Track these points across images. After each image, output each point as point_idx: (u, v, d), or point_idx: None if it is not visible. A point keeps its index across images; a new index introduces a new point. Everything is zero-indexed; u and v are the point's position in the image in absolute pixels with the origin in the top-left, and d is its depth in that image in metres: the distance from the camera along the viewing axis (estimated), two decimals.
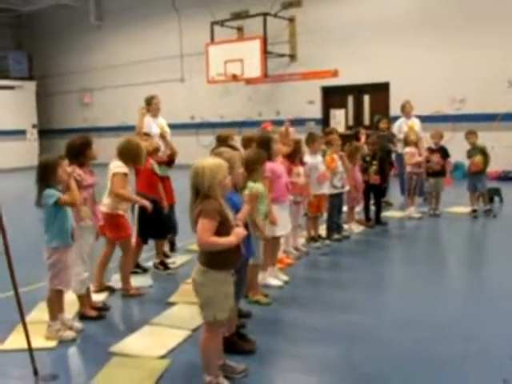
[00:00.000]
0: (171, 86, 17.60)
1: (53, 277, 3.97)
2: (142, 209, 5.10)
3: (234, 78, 14.83)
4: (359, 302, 4.80)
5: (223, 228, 3.03)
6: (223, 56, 14.79)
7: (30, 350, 3.49)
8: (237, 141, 6.06)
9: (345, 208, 7.57)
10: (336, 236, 6.97)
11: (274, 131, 5.83)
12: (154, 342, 3.91)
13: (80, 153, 4.37)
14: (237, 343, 3.72)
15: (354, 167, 7.30)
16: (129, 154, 4.81)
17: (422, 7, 12.97)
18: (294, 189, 5.92)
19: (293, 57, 15.23)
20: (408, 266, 6.05)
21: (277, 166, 5.08)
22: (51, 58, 21.00)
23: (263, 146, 4.99)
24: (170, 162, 6.13)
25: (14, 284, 3.35)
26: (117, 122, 18.37)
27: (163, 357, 3.67)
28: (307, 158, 6.51)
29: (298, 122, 14.75)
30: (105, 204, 4.80)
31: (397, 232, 7.86)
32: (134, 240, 5.41)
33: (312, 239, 6.72)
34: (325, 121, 15.23)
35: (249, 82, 15.72)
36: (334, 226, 7.01)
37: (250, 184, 4.39)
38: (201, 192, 3.03)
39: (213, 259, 3.08)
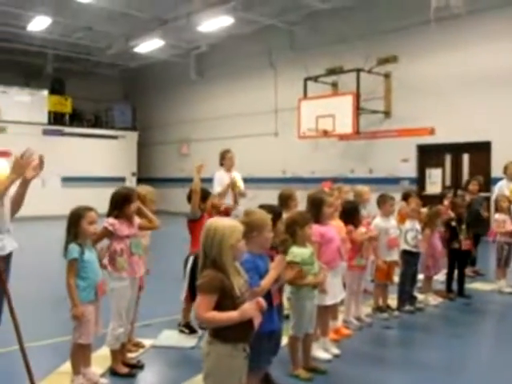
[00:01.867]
0: (265, 139, 17.81)
1: (74, 330, 3.86)
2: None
3: (325, 133, 14.66)
4: None
5: (228, 300, 2.75)
6: (315, 111, 14.73)
7: None
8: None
9: (422, 276, 6.97)
10: (407, 307, 6.35)
11: (330, 193, 5.50)
12: None
13: (118, 206, 4.29)
14: None
15: (433, 233, 6.72)
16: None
17: None
18: (358, 251, 5.55)
19: (387, 113, 14.81)
20: (491, 350, 5.33)
21: (327, 229, 4.71)
22: (153, 109, 22.16)
23: (313, 207, 4.69)
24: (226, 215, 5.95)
25: (18, 338, 3.25)
26: (210, 174, 18.74)
27: None
28: (378, 221, 6.10)
29: (391, 181, 14.32)
30: None
31: (481, 307, 7.01)
32: (183, 296, 5.25)
33: (379, 309, 6.17)
34: (420, 180, 14.53)
35: (342, 137, 15.46)
36: (406, 296, 6.41)
37: (294, 249, 4.08)
38: (209, 256, 2.79)
39: (218, 330, 2.80)
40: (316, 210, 4.68)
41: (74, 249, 3.80)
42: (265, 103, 17.75)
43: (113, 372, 4.28)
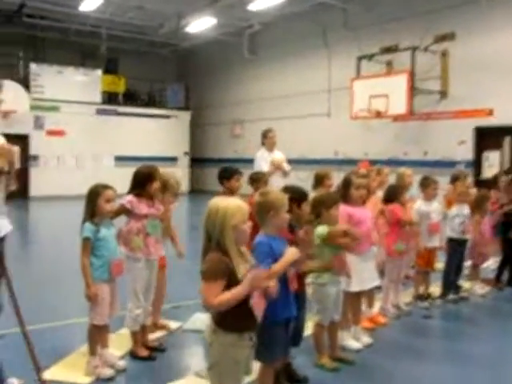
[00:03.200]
0: (318, 120, 17.48)
1: (90, 310, 3.80)
2: None
3: (378, 114, 14.16)
4: None
5: (234, 286, 2.56)
6: (368, 91, 14.24)
7: None
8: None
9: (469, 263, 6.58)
10: (451, 296, 6.00)
11: (363, 174, 5.23)
12: None
13: (140, 184, 4.19)
14: None
15: (482, 219, 6.30)
16: None
17: None
18: (398, 235, 5.26)
19: (444, 93, 14.11)
20: None
21: (356, 210, 4.43)
22: (206, 89, 22.06)
23: (342, 187, 4.48)
24: None
25: (20, 322, 3.25)
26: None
27: None
28: (419, 205, 5.77)
29: (446, 164, 13.71)
30: None
31: None
32: None
33: (419, 297, 5.84)
34: (476, 164, 13.84)
35: (396, 119, 14.91)
36: (451, 285, 6.05)
37: (319, 229, 3.88)
38: (213, 237, 2.61)
39: (222, 318, 2.63)
40: (344, 190, 4.47)
41: (88, 228, 3.73)
42: (318, 83, 17.36)
43: (133, 354, 4.21)
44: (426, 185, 5.75)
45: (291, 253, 3.06)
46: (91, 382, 3.74)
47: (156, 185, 4.22)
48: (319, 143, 17.34)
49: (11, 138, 15.44)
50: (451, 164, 13.75)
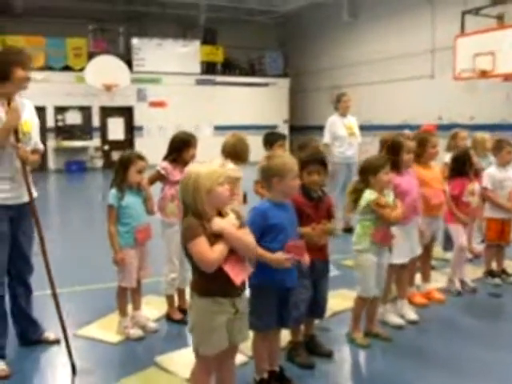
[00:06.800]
0: (420, 83, 16.58)
1: (117, 273, 3.91)
2: None
3: (483, 74, 13.06)
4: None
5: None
6: (473, 49, 13.16)
7: (68, 345, 3.43)
8: None
9: None
10: None
11: (408, 135, 4.79)
12: None
13: (175, 149, 4.21)
14: None
15: None
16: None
17: None
18: (464, 210, 4.84)
19: None
20: None
21: (403, 179, 4.06)
22: (305, 56, 21.62)
23: (391, 151, 4.10)
24: None
25: (50, 282, 3.44)
26: (362, 121, 18.02)
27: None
28: (492, 171, 5.24)
29: None
30: None
31: None
32: None
33: (491, 273, 5.34)
34: None
35: (507, 78, 13.67)
36: None
37: (367, 193, 3.69)
38: (186, 204, 2.53)
39: (196, 282, 2.61)
40: (393, 154, 4.05)
41: (113, 195, 3.81)
42: (420, 43, 16.38)
43: (168, 317, 4.29)
44: (500, 148, 5.19)
45: (277, 259, 2.89)
46: (120, 340, 3.85)
47: (192, 152, 4.21)
48: (422, 108, 16.42)
49: (117, 110, 16.35)
50: None
